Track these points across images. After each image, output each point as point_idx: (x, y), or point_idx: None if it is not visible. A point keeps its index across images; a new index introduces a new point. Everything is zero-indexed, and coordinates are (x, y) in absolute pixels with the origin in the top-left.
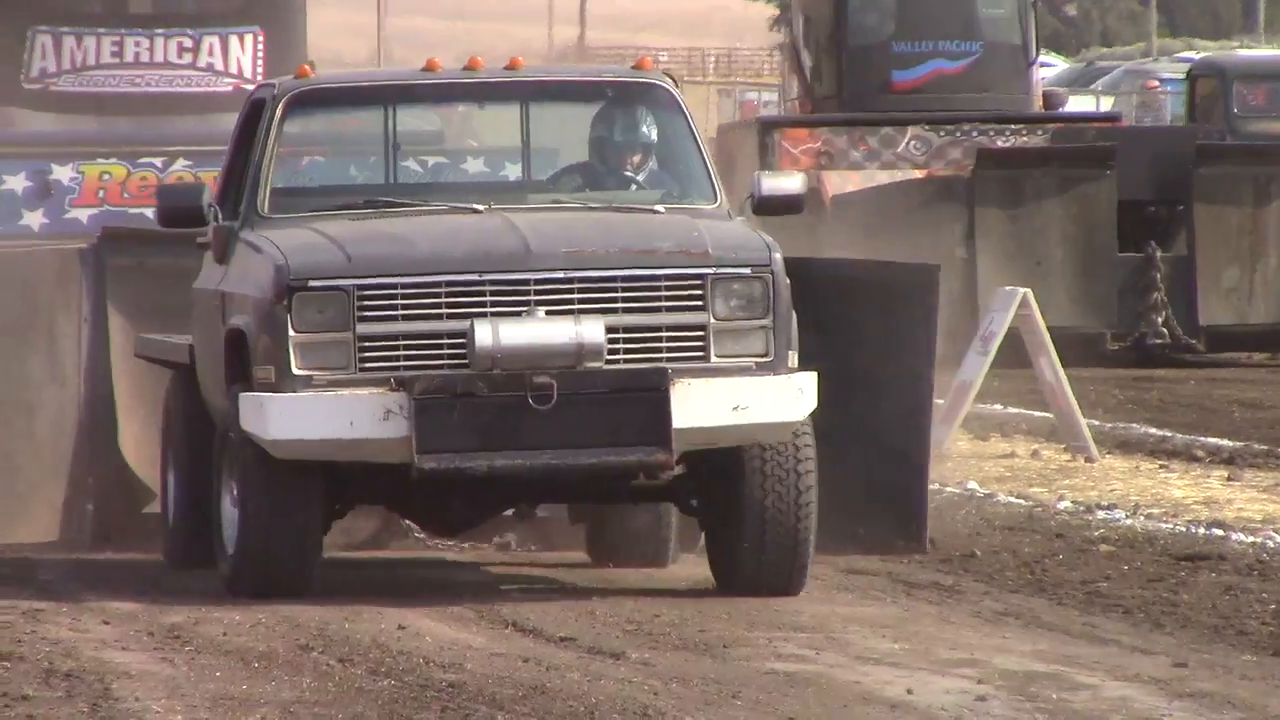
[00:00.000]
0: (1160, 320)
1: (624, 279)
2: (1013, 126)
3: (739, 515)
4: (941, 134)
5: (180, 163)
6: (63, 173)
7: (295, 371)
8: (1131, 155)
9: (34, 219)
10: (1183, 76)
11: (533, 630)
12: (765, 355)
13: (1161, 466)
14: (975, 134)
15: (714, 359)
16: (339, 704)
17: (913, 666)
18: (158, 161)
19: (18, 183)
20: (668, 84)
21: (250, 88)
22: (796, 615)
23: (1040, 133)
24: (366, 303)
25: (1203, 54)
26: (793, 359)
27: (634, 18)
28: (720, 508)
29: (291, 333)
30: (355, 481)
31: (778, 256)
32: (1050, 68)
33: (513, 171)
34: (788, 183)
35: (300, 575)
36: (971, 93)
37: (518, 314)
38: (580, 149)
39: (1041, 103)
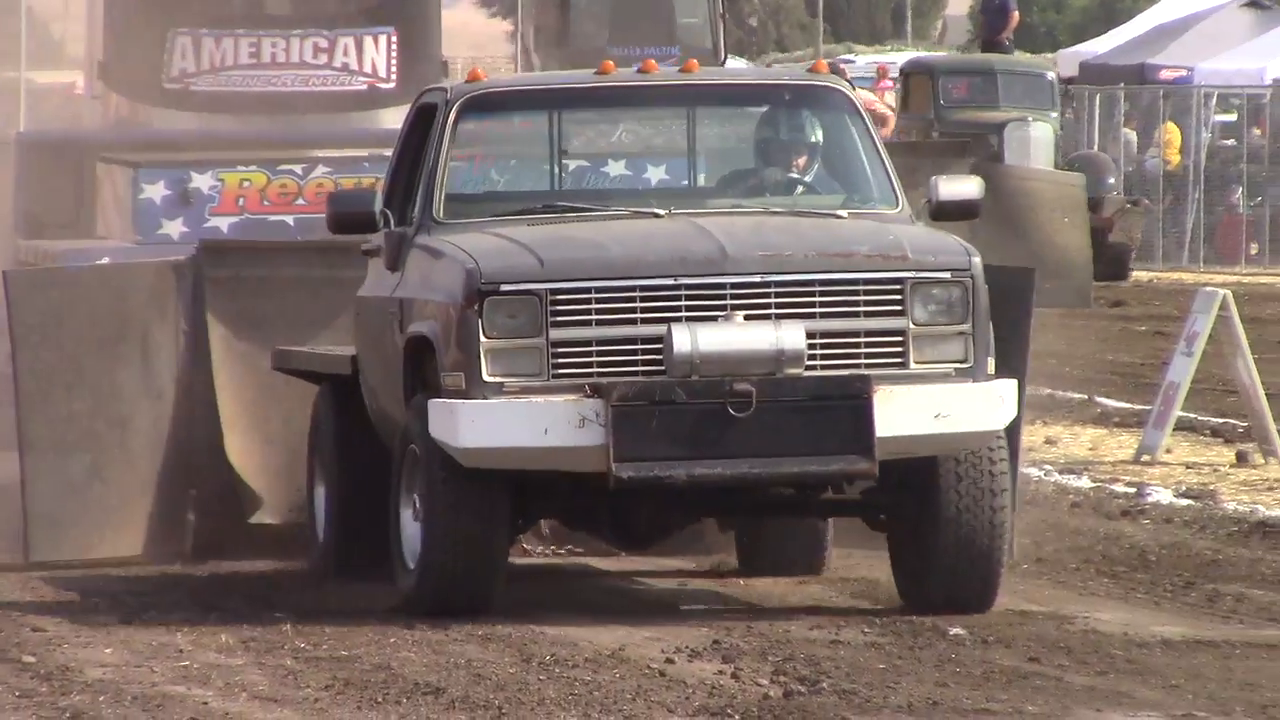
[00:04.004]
0: None
1: (822, 283)
2: None
3: (933, 529)
4: None
5: (320, 169)
6: (202, 181)
7: (486, 378)
8: None
9: (174, 228)
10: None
11: None
12: (965, 362)
13: None
14: None
15: (913, 365)
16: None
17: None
18: (298, 169)
19: (157, 191)
20: (844, 87)
21: (384, 87)
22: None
23: None
24: (559, 307)
25: (860, 56)
26: (991, 365)
27: None
28: (911, 521)
29: (482, 338)
30: (540, 493)
31: (977, 260)
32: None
33: (655, 174)
34: (965, 187)
35: (485, 591)
36: None
37: (714, 319)
38: (735, 151)
39: None
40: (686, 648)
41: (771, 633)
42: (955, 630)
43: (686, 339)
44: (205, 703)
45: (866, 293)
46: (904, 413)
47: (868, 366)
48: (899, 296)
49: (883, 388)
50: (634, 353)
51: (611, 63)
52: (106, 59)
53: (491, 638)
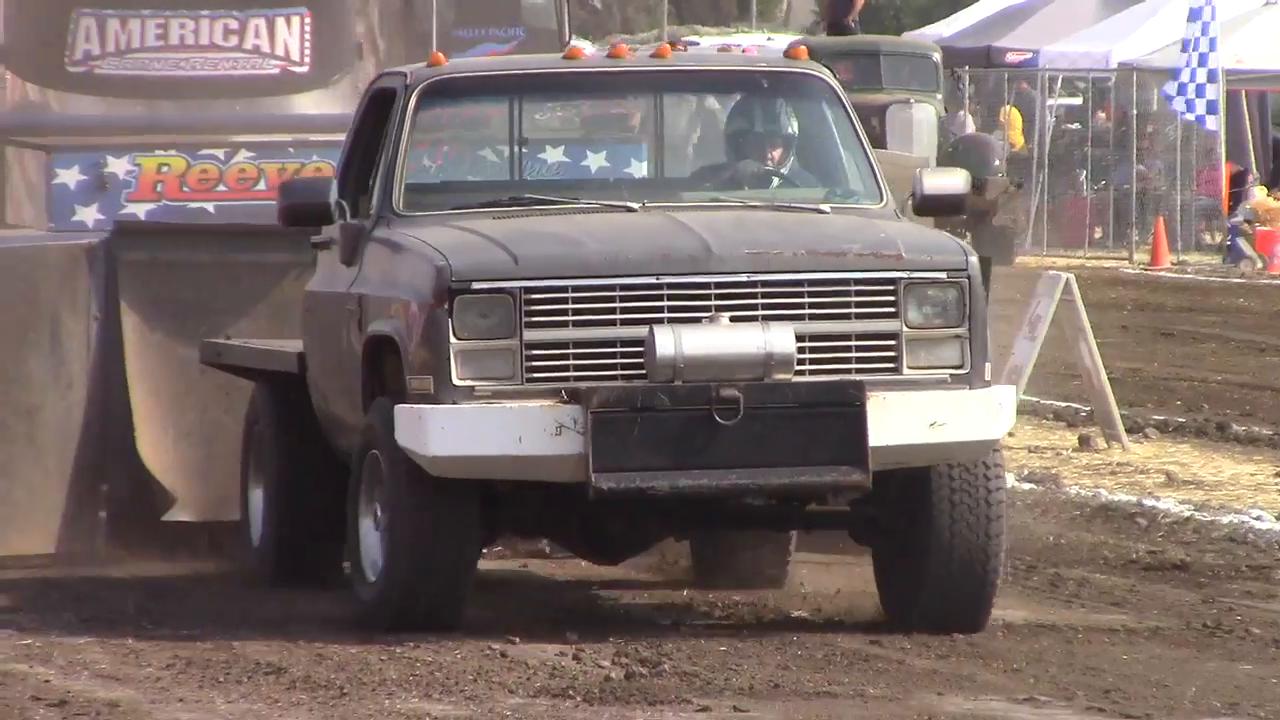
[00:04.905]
0: None
1: (811, 283)
2: None
3: (924, 544)
4: None
5: (243, 154)
6: (119, 165)
7: (456, 382)
8: None
9: (87, 214)
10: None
11: None
12: (960, 367)
13: None
14: None
15: (906, 371)
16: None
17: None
18: (219, 154)
19: (71, 176)
20: (826, 75)
21: (298, 70)
22: None
23: None
24: (534, 307)
25: (705, 39)
26: (988, 370)
27: None
28: (901, 535)
29: (452, 339)
30: (509, 503)
31: (974, 260)
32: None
33: (595, 162)
34: (950, 181)
35: (451, 605)
36: None
37: (698, 320)
38: (705, 141)
39: None
40: (528, 629)
41: (613, 615)
42: (797, 613)
43: (669, 341)
44: (47, 680)
45: (858, 294)
46: (897, 421)
47: (859, 371)
48: (892, 298)
49: (875, 394)
50: (613, 356)
51: (580, 47)
52: (7, 40)
53: (332, 618)
